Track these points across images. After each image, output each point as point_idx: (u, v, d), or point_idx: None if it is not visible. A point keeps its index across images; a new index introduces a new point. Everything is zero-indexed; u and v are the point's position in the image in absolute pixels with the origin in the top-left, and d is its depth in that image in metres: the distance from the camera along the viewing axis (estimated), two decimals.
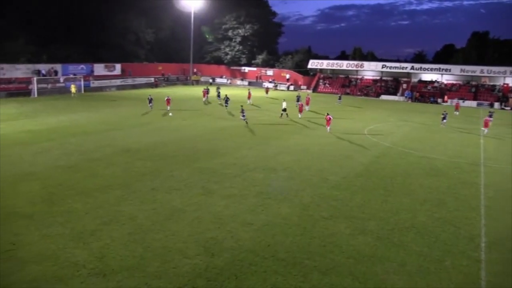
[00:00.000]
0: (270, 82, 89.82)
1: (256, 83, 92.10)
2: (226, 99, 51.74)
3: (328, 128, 39.78)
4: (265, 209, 19.20)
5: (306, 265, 14.27)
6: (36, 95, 60.68)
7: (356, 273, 13.91)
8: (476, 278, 14.16)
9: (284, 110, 46.96)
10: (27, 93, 60.68)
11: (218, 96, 60.14)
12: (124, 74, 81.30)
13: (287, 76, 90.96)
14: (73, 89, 61.89)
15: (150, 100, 50.29)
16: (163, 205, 19.14)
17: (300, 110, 48.81)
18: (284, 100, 49.10)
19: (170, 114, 46.08)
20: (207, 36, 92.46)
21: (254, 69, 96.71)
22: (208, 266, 13.86)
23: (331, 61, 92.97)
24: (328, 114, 40.33)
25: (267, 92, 73.73)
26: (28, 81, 62.32)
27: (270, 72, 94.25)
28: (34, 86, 61.29)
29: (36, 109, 48.14)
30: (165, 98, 50.62)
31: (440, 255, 15.60)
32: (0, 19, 68.26)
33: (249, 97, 60.25)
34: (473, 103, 75.48)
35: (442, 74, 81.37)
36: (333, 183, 23.76)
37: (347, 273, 13.88)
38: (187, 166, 25.71)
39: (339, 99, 66.18)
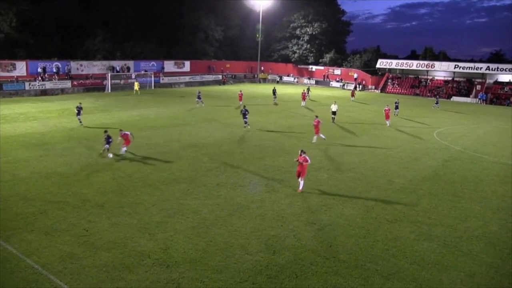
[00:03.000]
0: (337, 81, 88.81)
1: (323, 82, 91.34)
2: (244, 113, 37.56)
3: (319, 135, 32.98)
4: (328, 209, 19.14)
5: (368, 268, 14.10)
6: (110, 90, 63.91)
7: (419, 280, 13.55)
8: None
9: (334, 113, 43.49)
10: (102, 88, 64.03)
11: (274, 94, 58.35)
12: (208, 70, 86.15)
13: (355, 75, 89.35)
14: (136, 86, 62.95)
15: (199, 96, 50.68)
16: (227, 200, 19.59)
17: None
18: (335, 102, 44.70)
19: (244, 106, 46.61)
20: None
21: (322, 67, 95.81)
22: (269, 263, 14.04)
23: (400, 61, 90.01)
24: (316, 117, 33.26)
25: (353, 94, 65.86)
26: (103, 77, 65.81)
27: (337, 71, 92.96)
28: (108, 82, 64.62)
29: (109, 103, 50.65)
30: (238, 93, 52.94)
31: None
32: (81, 19, 72.65)
33: (303, 98, 55.96)
34: None
35: None
36: (399, 185, 23.22)
37: (411, 279, 13.55)
38: (253, 163, 26.14)
39: (436, 103, 61.96)
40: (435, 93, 75.94)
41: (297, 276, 13.38)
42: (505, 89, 76.41)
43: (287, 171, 24.56)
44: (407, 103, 63.12)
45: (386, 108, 43.45)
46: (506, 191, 23.45)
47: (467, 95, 78.20)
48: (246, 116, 36.89)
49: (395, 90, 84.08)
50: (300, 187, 21.12)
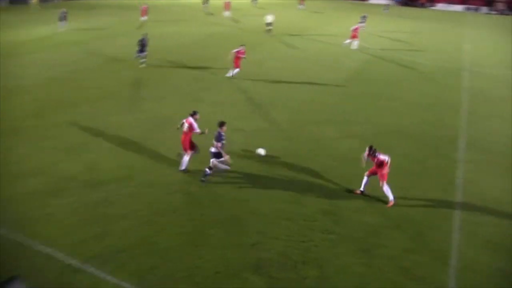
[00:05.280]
0: None
1: None
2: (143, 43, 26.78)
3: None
4: (258, 115, 19.44)
5: (296, 167, 14.83)
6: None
7: (345, 175, 14.49)
8: (453, 176, 14.95)
9: (269, 25, 41.06)
10: None
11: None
12: None
13: None
14: None
15: (64, 17, 37.47)
16: (153, 114, 19.21)
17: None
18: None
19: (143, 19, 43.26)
20: None
21: None
22: (200, 171, 14.17)
23: None
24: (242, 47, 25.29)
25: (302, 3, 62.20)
26: None
27: None
28: None
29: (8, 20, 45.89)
30: (141, 8, 44.07)
31: (422, 157, 16.31)
32: None
33: (227, 8, 51.11)
34: (460, 7, 74.23)
35: None
36: (324, 88, 24.00)
37: (335, 175, 14.47)
38: (177, 73, 25.54)
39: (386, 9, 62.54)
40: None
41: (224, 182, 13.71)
42: None
43: (210, 79, 24.35)
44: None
45: (355, 27, 36.82)
46: (423, 88, 25.09)
47: None
48: (145, 49, 26.62)
49: None
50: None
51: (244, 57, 24.79)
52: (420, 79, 27.42)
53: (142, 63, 26.32)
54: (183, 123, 13.89)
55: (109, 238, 10.59)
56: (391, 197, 12.82)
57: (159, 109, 19.77)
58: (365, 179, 13.22)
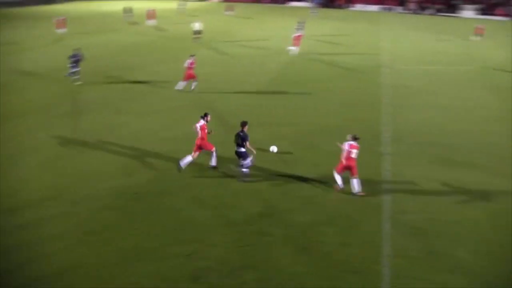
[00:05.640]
0: None
1: None
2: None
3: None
4: (184, 122, 19.20)
5: (227, 171, 14.79)
6: None
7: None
8: (379, 169, 15.56)
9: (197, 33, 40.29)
10: None
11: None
12: None
13: None
14: None
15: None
16: (77, 128, 18.36)
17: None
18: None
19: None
20: None
21: None
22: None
23: None
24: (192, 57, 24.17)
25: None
26: None
27: None
28: None
29: None
30: (55, 20, 42.28)
31: None
32: None
33: (150, 17, 49.47)
34: (375, 8, 77.91)
35: None
36: (253, 91, 24.26)
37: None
38: (101, 85, 24.75)
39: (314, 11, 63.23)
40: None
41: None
42: None
43: (134, 91, 23.84)
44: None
45: (297, 35, 36.09)
46: (347, 86, 26.09)
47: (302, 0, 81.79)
48: (78, 65, 24.86)
49: None
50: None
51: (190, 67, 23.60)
52: (344, 78, 28.44)
53: (75, 80, 24.82)
54: (195, 127, 14.40)
55: (36, 264, 9.99)
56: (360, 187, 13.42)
57: (82, 123, 19.01)
58: (338, 176, 13.59)
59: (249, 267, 10.09)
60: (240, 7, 70.38)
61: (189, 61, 23.55)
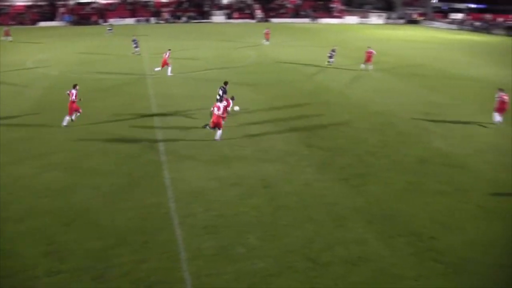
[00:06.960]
0: None
1: None
2: None
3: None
4: None
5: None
6: None
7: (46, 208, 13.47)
8: (161, 178, 15.70)
9: None
10: None
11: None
12: None
13: None
14: None
15: None
16: None
17: None
18: None
19: None
20: None
21: None
22: None
23: None
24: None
25: None
26: None
27: None
28: None
29: None
30: None
31: (127, 169, 16.43)
32: None
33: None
34: (131, 20, 78.46)
35: None
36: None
37: (45, 212, 13.29)
38: None
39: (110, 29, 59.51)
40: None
41: None
42: (87, 9, 79.06)
43: None
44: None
45: (166, 54, 32.82)
46: (117, 101, 25.32)
47: (52, 19, 77.15)
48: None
49: None
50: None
51: None
52: (110, 93, 27.66)
53: None
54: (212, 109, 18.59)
55: None
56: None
57: None
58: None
59: None
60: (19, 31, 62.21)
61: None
